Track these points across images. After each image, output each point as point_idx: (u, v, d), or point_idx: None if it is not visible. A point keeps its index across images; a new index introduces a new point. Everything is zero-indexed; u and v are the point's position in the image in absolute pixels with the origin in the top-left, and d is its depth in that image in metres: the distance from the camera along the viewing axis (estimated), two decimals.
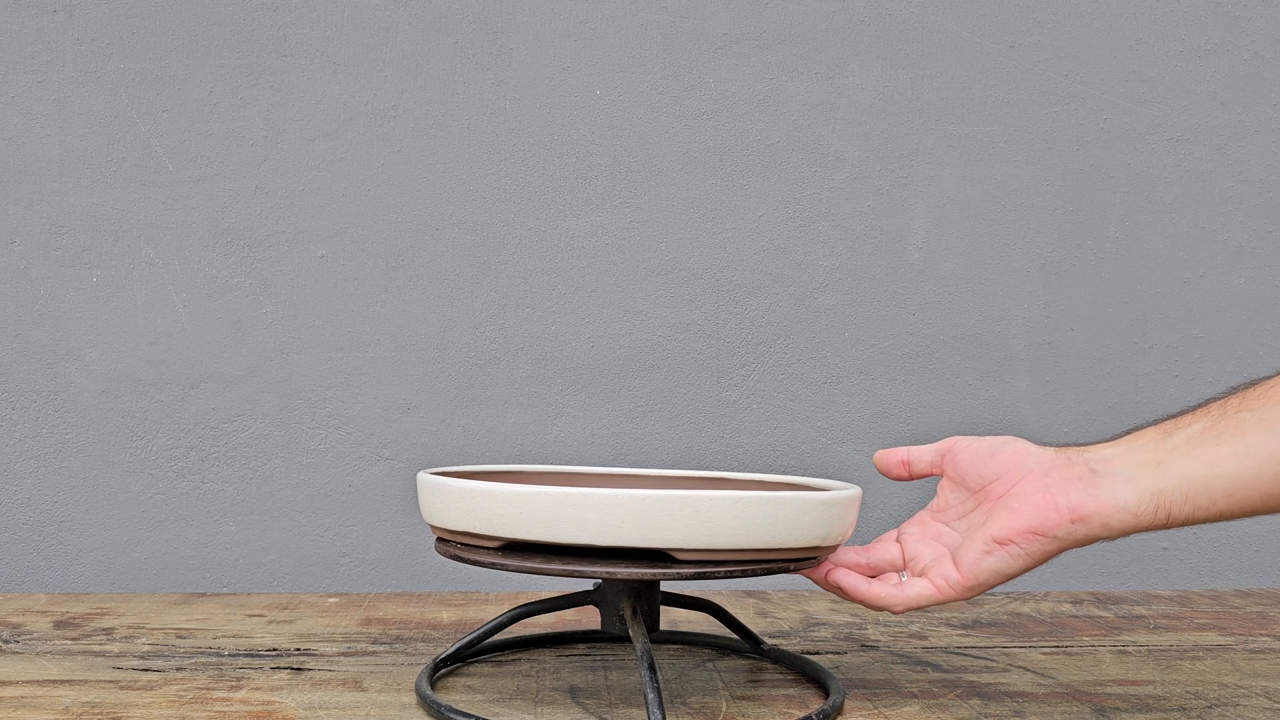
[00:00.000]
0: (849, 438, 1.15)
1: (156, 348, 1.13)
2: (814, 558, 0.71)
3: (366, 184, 1.14)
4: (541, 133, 1.14)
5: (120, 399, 1.13)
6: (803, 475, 1.13)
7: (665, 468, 1.04)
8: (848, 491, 0.71)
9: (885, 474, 0.76)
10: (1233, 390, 0.66)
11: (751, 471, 1.16)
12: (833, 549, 0.73)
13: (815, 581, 0.74)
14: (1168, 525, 0.65)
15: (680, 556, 0.66)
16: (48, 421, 1.12)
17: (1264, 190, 1.17)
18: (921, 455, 0.75)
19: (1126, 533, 0.66)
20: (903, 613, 0.70)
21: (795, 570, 0.69)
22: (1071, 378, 1.17)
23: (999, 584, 0.69)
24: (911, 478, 0.76)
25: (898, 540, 0.75)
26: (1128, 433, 0.68)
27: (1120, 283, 1.17)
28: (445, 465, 1.14)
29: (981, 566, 0.68)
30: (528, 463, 1.14)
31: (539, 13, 1.14)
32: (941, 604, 0.70)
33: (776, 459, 1.15)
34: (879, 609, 0.71)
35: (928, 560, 0.71)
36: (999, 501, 0.69)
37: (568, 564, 0.67)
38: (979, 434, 0.76)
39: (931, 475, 0.75)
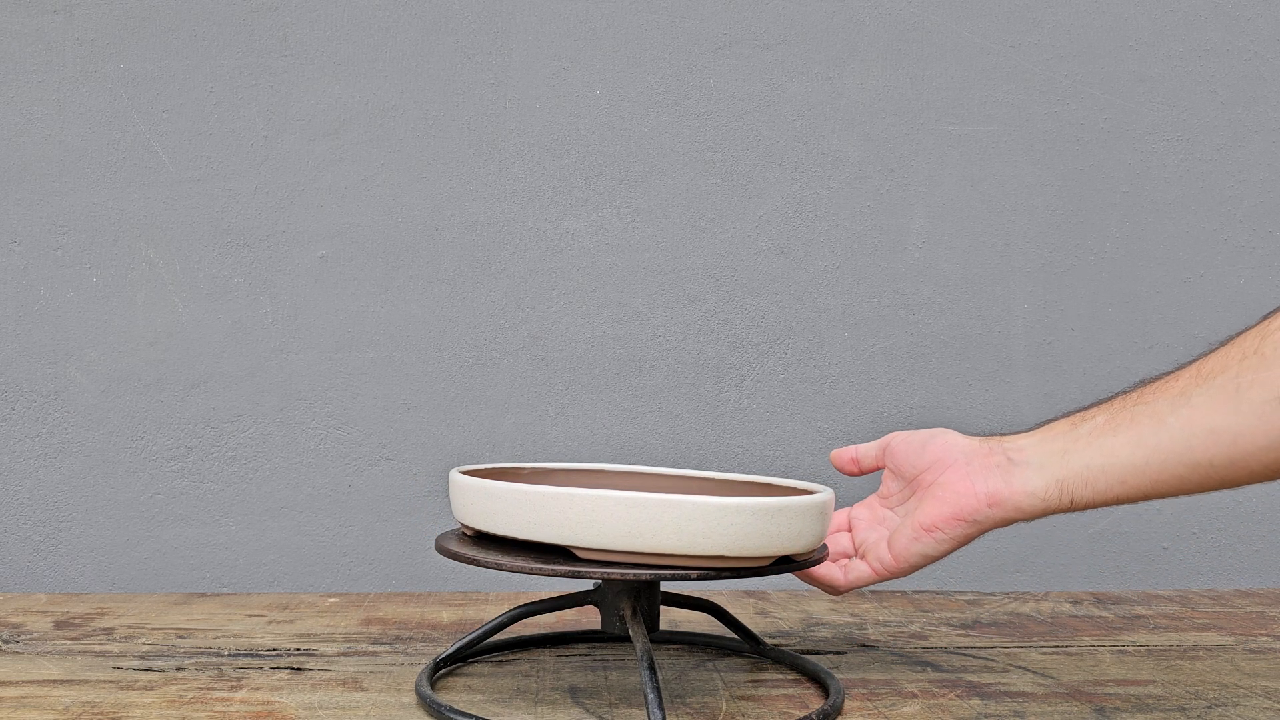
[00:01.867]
0: (849, 438, 1.15)
1: (156, 348, 1.13)
2: (733, 569, 0.68)
3: (366, 184, 1.14)
4: (541, 133, 1.14)
5: (120, 399, 1.13)
6: (815, 481, 1.12)
7: (670, 469, 1.04)
8: (756, 500, 0.67)
9: (840, 470, 0.84)
10: (1142, 382, 0.71)
11: (761, 474, 1.16)
12: (765, 560, 0.69)
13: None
14: (1072, 508, 0.71)
15: (581, 555, 0.68)
16: (48, 421, 1.12)
17: (1264, 190, 1.17)
18: (868, 451, 0.82)
19: (1037, 515, 0.72)
20: (846, 591, 0.79)
21: (699, 578, 0.67)
22: (1071, 378, 1.17)
23: (927, 565, 0.76)
24: (862, 473, 0.83)
25: (849, 522, 0.83)
26: (1044, 423, 0.75)
27: (1120, 283, 1.17)
28: (447, 466, 1.14)
29: (911, 551, 0.75)
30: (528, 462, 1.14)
31: (539, 13, 1.14)
32: (879, 582, 0.78)
33: (776, 459, 1.15)
34: (826, 588, 0.79)
35: (870, 544, 0.79)
36: (928, 490, 0.76)
37: (532, 562, 0.68)
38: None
39: (879, 469, 0.82)
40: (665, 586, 1.04)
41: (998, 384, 1.16)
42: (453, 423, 1.14)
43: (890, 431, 0.83)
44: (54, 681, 0.78)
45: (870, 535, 0.80)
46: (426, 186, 1.14)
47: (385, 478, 1.14)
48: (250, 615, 0.98)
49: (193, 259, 1.13)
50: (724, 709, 0.73)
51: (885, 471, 0.82)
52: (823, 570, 0.79)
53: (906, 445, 0.79)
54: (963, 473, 0.74)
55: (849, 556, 0.81)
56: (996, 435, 0.76)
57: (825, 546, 0.77)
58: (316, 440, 1.14)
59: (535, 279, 1.15)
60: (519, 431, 1.14)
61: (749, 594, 1.08)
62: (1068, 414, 0.74)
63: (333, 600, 1.04)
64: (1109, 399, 0.72)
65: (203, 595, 1.07)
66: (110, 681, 0.78)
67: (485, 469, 0.81)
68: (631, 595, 0.74)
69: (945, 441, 0.77)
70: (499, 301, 1.14)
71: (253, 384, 1.13)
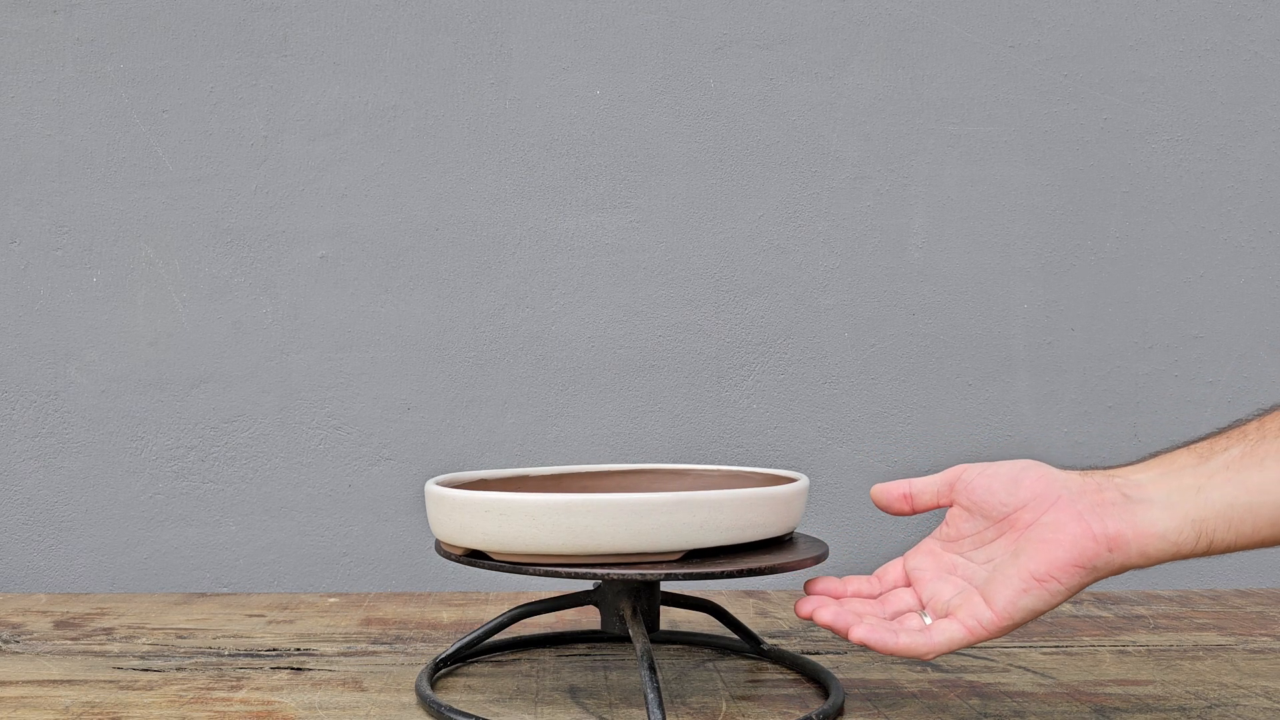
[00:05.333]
0: (849, 438, 1.15)
1: (156, 348, 1.13)
2: (642, 563, 0.68)
3: (366, 184, 1.14)
4: (541, 133, 1.14)
5: (120, 399, 1.13)
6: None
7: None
8: (434, 487, 0.71)
9: (885, 509, 0.72)
10: (1264, 411, 0.64)
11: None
12: (456, 550, 0.70)
13: (835, 632, 0.69)
14: (1209, 553, 0.62)
15: (496, 556, 0.70)
16: (48, 421, 1.12)
17: (1264, 190, 1.17)
18: (926, 487, 0.71)
19: (1163, 561, 0.63)
20: (933, 658, 0.67)
21: (605, 578, 0.67)
22: (1071, 378, 1.17)
23: (1033, 619, 0.65)
24: (915, 511, 0.72)
25: (905, 573, 0.72)
26: (1156, 455, 0.66)
27: (1120, 283, 1.17)
28: (446, 466, 1.14)
29: (1019, 606, 0.64)
30: (531, 464, 1.14)
31: (539, 13, 1.14)
32: (974, 644, 0.66)
33: (776, 459, 1.15)
34: (908, 658, 0.68)
35: (949, 597, 0.68)
36: (1028, 531, 0.65)
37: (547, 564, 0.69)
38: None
39: (938, 507, 0.71)
40: (666, 586, 1.04)
41: (998, 384, 1.16)
42: (453, 423, 1.14)
43: (951, 467, 0.72)
44: (54, 681, 0.78)
45: (944, 589, 0.68)
46: (426, 186, 1.14)
47: (385, 478, 1.14)
48: (250, 615, 0.98)
49: (193, 259, 1.13)
50: (724, 709, 0.73)
51: (953, 511, 0.70)
52: (903, 642, 0.66)
53: (990, 480, 0.68)
54: (1072, 511, 0.64)
55: (914, 612, 0.69)
56: (1100, 469, 0.67)
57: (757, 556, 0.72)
58: (316, 440, 1.14)
59: (535, 279, 1.15)
60: (519, 432, 1.14)
61: (749, 594, 1.08)
62: (1184, 444, 0.65)
63: (333, 600, 1.04)
64: (1234, 426, 0.64)
65: (203, 595, 1.07)
66: (110, 681, 0.78)
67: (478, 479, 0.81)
68: (631, 595, 0.74)
69: (1042, 474, 0.66)
70: (499, 301, 1.14)
71: (253, 384, 1.13)
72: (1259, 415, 0.64)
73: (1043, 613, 0.64)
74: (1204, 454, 0.63)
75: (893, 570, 0.72)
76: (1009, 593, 0.64)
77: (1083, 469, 0.67)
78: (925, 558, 0.71)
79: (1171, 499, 0.63)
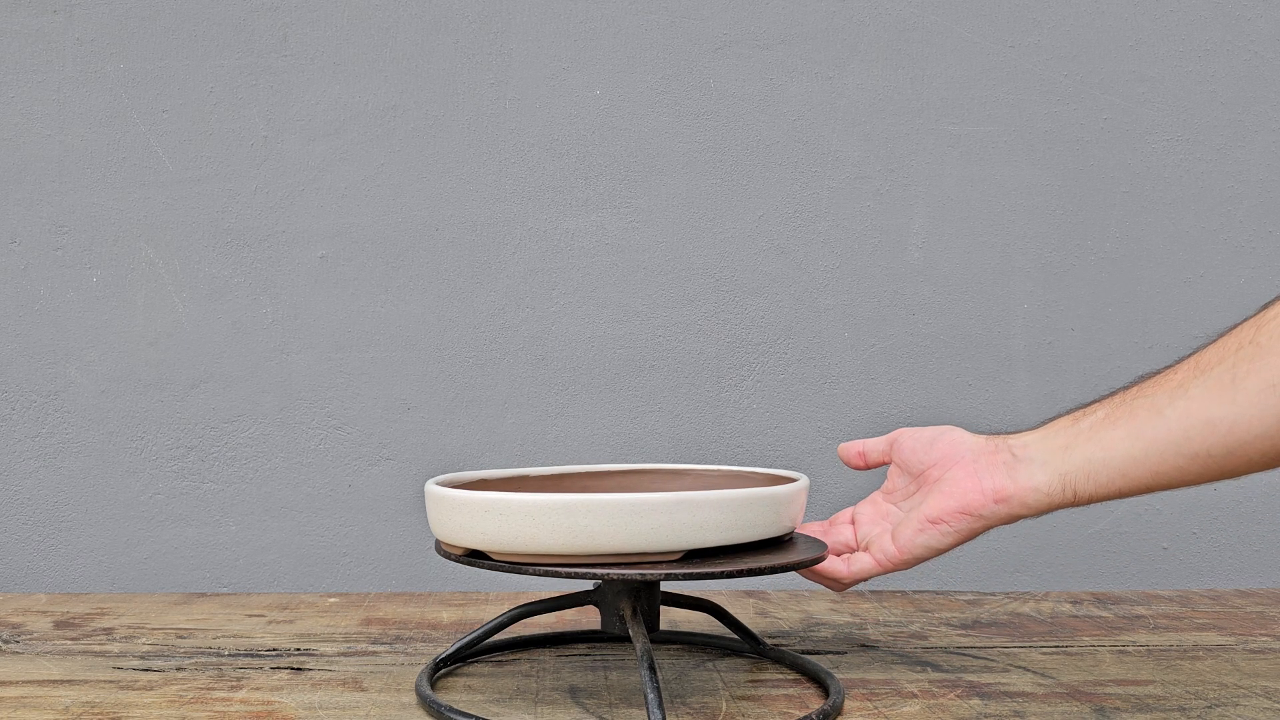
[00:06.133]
0: (849, 438, 1.15)
1: (156, 348, 1.13)
2: (642, 563, 0.68)
3: (366, 184, 1.14)
4: (541, 133, 1.14)
5: (120, 399, 1.13)
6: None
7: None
8: (623, 497, 0.67)
9: (846, 464, 0.85)
10: (1138, 379, 0.72)
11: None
12: (676, 554, 0.69)
13: None
14: (1075, 503, 0.72)
15: (495, 556, 0.70)
16: (48, 421, 1.12)
17: (1264, 190, 1.17)
18: (875, 446, 0.84)
19: (1043, 511, 0.73)
20: (850, 584, 0.80)
21: (605, 578, 0.66)
22: (1071, 378, 1.17)
23: (931, 558, 0.77)
24: (868, 467, 0.84)
25: (852, 518, 0.83)
26: (1047, 421, 0.76)
27: (1120, 283, 1.17)
28: (446, 466, 1.14)
29: (915, 543, 0.77)
30: (531, 464, 1.15)
31: (539, 13, 1.14)
32: (882, 574, 0.79)
33: (776, 459, 1.15)
34: (830, 583, 0.80)
35: (874, 537, 0.80)
36: (934, 485, 0.77)
37: (553, 564, 0.68)
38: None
39: (884, 464, 0.84)
40: (666, 586, 1.04)
41: (998, 384, 1.16)
42: (453, 423, 1.14)
43: (895, 429, 0.84)
44: (54, 681, 0.78)
45: (873, 529, 0.81)
46: (426, 186, 1.14)
47: (385, 478, 1.14)
48: (250, 615, 0.98)
49: (193, 259, 1.13)
50: (724, 709, 0.73)
51: (891, 467, 0.83)
52: (825, 564, 0.79)
53: (914, 441, 0.80)
54: (969, 469, 0.75)
55: (852, 550, 0.82)
56: (1002, 434, 0.77)
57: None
58: (316, 440, 1.14)
59: (535, 279, 1.15)
60: (519, 431, 1.14)
61: (749, 594, 1.08)
62: (1070, 411, 0.75)
63: (333, 600, 1.04)
64: (1110, 394, 0.73)
65: (203, 595, 1.07)
66: (110, 681, 0.78)
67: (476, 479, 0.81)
68: (631, 595, 0.74)
69: (953, 439, 0.78)
70: (499, 301, 1.14)
71: (253, 384, 1.13)
72: (1133, 383, 0.72)
73: (938, 550, 0.76)
74: (1079, 417, 0.73)
75: (844, 515, 0.85)
76: (908, 532, 0.77)
77: (989, 434, 0.78)
78: (867, 506, 0.83)
79: (1047, 457, 0.73)
